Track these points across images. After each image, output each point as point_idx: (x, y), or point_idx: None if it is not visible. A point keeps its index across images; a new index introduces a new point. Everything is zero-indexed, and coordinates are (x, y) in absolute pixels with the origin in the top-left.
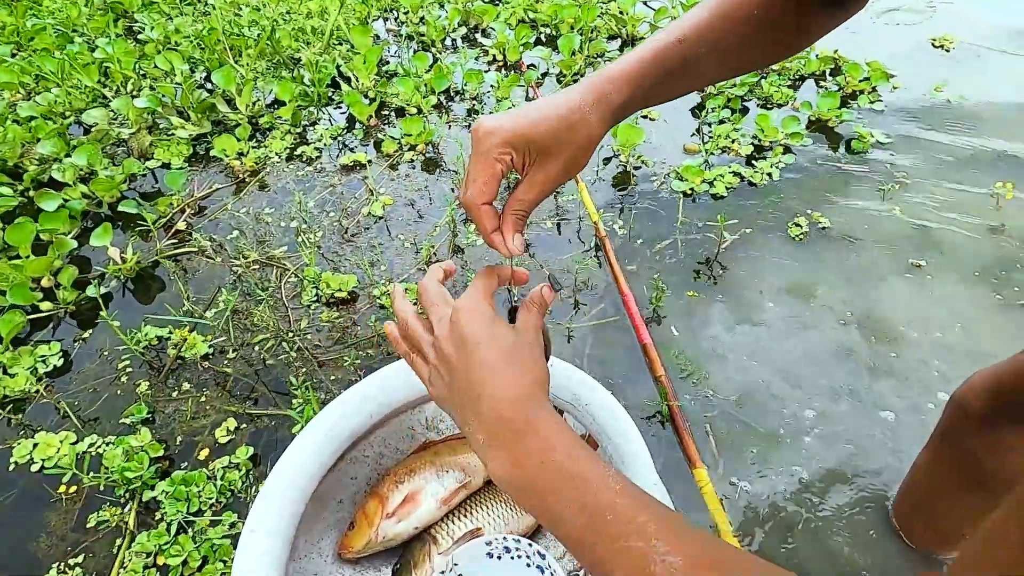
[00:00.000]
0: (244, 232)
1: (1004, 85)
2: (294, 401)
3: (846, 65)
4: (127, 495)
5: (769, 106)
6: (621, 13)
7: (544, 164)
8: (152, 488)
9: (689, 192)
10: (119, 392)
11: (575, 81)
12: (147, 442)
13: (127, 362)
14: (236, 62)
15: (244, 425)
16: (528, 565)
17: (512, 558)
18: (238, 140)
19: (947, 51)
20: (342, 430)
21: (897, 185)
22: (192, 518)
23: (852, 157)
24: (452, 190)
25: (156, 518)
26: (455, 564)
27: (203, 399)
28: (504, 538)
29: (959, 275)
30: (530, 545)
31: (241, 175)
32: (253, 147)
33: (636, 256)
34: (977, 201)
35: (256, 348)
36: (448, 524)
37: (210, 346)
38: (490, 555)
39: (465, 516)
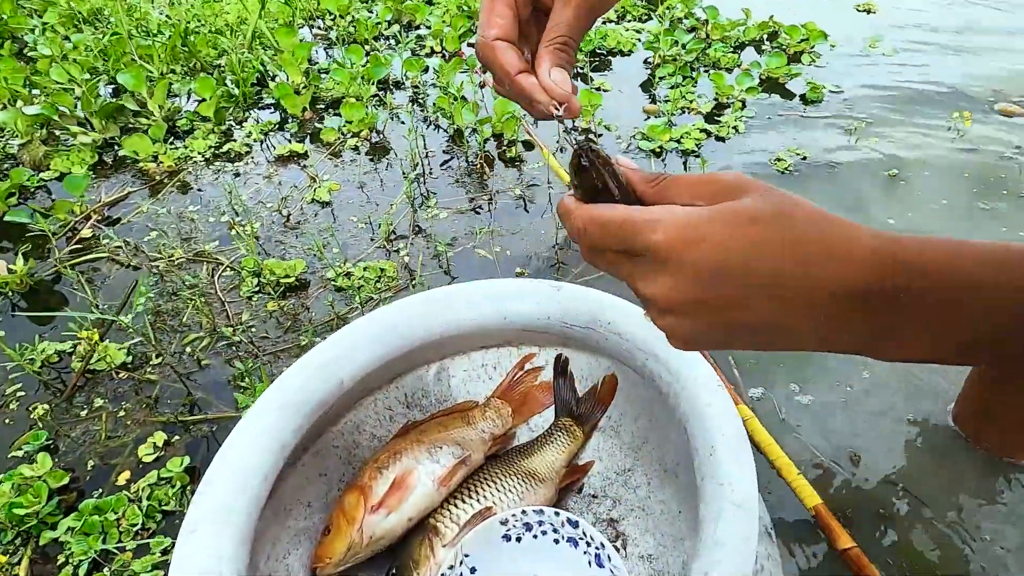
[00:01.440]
0: (166, 232)
1: (932, 35)
2: (240, 397)
3: (783, 29)
4: (19, 539)
5: (718, 68)
6: None
7: None
8: (53, 528)
9: (658, 151)
10: (8, 421)
11: None
12: (46, 471)
13: (18, 386)
14: (146, 65)
15: (177, 437)
16: (557, 541)
17: (535, 536)
18: (153, 142)
19: (872, 13)
20: (305, 402)
21: (863, 124)
22: (112, 550)
23: (810, 107)
24: (403, 175)
25: (59, 562)
26: (465, 556)
27: (122, 414)
28: (523, 512)
29: (939, 183)
30: (556, 514)
31: (158, 177)
32: (171, 148)
33: None
34: (940, 132)
35: (188, 349)
36: (450, 509)
37: (129, 353)
38: (507, 537)
39: (470, 497)
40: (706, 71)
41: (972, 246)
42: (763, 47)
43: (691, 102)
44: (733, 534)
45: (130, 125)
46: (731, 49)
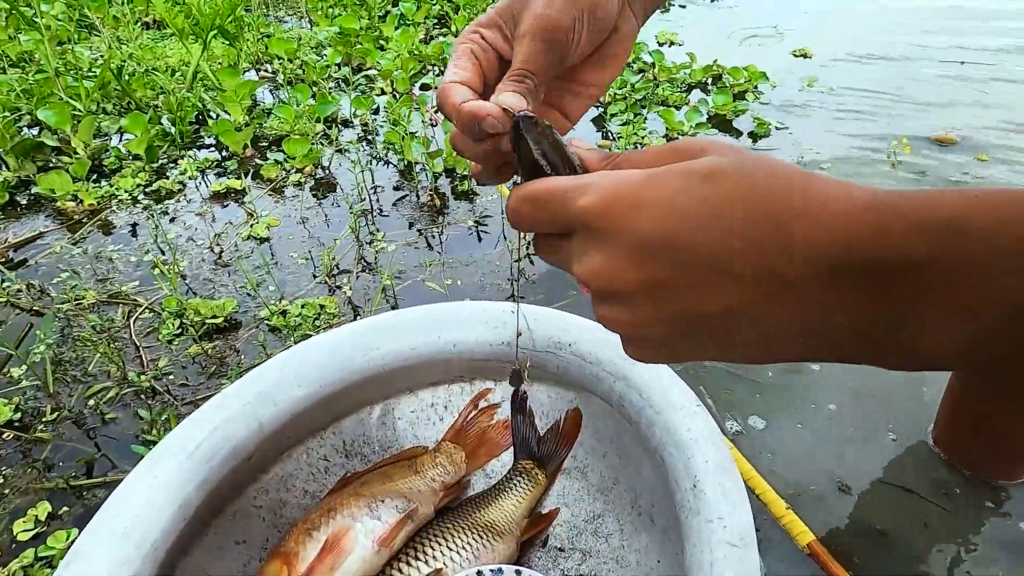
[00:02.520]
0: (78, 272)
1: (864, 78)
2: (143, 451)
3: (726, 71)
4: None
5: (668, 106)
6: None
7: (525, 15)
8: None
9: None
10: None
11: None
12: None
13: None
14: (73, 102)
15: (66, 508)
16: None
17: None
18: (74, 179)
19: (808, 58)
20: (214, 449)
21: (810, 157)
22: None
23: (759, 141)
24: (349, 208)
25: None
26: None
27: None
28: (479, 573)
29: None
30: (517, 572)
31: (77, 216)
32: (94, 186)
33: None
34: (881, 160)
35: (91, 402)
36: (393, 574)
37: (17, 410)
38: None
39: (416, 559)
40: (656, 109)
41: (1018, 196)
42: (708, 88)
43: (643, 138)
44: None
45: (50, 163)
46: (679, 89)
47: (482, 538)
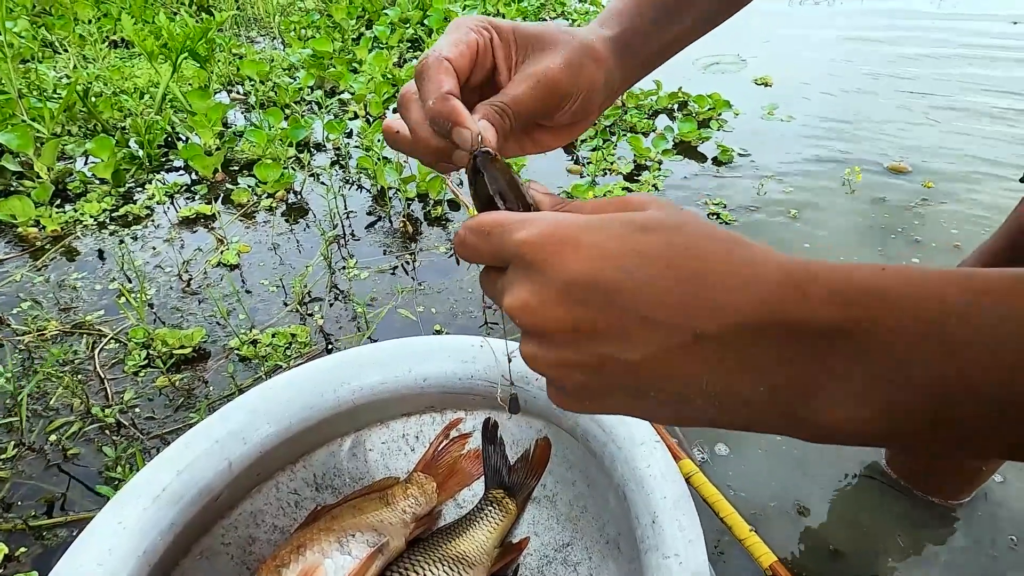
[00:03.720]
0: (39, 302)
1: (822, 106)
2: (108, 491)
3: (691, 99)
4: None
5: (636, 132)
6: None
7: (539, 58)
8: None
9: None
10: None
11: None
12: None
13: None
14: (36, 124)
15: (24, 548)
16: None
17: None
18: (37, 205)
19: (769, 87)
20: (183, 489)
21: (770, 184)
22: None
23: (722, 168)
24: (321, 234)
25: None
26: None
27: None
28: None
29: (834, 225)
30: None
31: (39, 243)
32: (58, 211)
33: None
34: (835, 186)
35: (52, 438)
36: None
37: None
38: None
39: None
40: (624, 135)
41: (936, 271)
42: (675, 114)
43: (612, 163)
44: None
45: (10, 188)
46: (646, 115)
47: (453, 570)
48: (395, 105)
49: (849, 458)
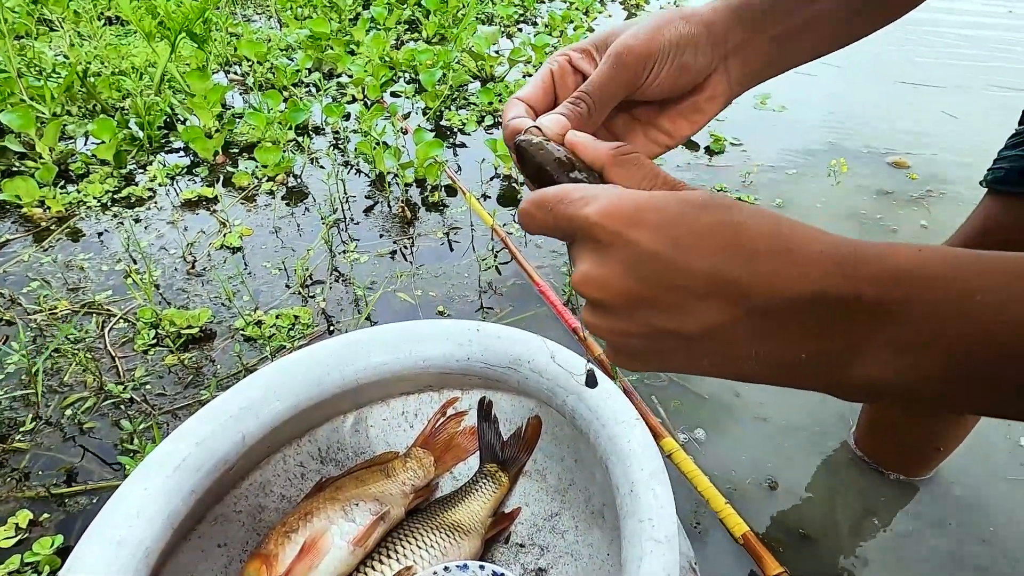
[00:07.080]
0: (48, 282)
1: (815, 96)
2: (127, 462)
3: None
4: None
5: None
6: (477, 60)
7: (628, 38)
8: None
9: None
10: None
11: (440, 114)
12: None
13: None
14: (37, 104)
15: (48, 514)
16: None
17: None
18: (40, 185)
19: None
20: (202, 461)
21: (760, 172)
22: None
23: (714, 158)
24: (322, 219)
25: None
26: None
27: None
28: (446, 569)
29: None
30: (481, 567)
31: (44, 223)
32: (62, 192)
33: (539, 256)
34: (822, 176)
35: (68, 412)
36: (366, 572)
37: None
38: None
39: (389, 556)
40: None
41: (967, 253)
42: None
43: None
44: (655, 572)
45: (13, 168)
46: None
47: (449, 537)
48: (393, 88)
49: (820, 439)
